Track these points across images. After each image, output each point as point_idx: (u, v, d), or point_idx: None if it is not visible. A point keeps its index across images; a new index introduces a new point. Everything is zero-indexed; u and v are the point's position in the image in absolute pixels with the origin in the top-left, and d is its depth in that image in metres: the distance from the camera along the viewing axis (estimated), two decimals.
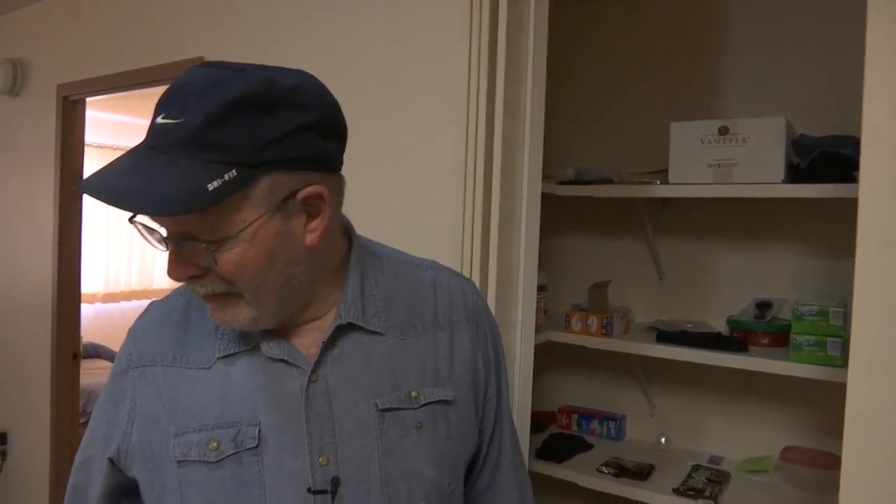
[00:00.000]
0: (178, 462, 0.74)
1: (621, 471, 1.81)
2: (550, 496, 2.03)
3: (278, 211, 0.68)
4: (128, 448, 0.78)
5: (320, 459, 0.74)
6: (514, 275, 1.55)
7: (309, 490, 0.73)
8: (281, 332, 0.77)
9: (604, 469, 1.83)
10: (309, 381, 0.75)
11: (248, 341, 0.76)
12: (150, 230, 0.69)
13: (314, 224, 0.71)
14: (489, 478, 0.90)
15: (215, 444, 0.73)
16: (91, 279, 4.78)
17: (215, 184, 0.62)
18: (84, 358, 2.91)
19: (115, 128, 4.79)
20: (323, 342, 0.76)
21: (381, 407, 0.77)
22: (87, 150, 2.83)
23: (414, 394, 0.78)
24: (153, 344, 0.80)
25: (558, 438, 2.03)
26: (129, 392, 0.79)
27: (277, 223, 0.68)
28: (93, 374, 3.55)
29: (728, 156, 1.73)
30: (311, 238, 0.71)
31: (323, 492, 0.73)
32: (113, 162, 0.66)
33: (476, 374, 0.84)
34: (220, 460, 0.73)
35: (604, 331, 1.85)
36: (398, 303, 0.82)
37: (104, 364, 3.96)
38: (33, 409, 2.78)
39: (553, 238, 2.17)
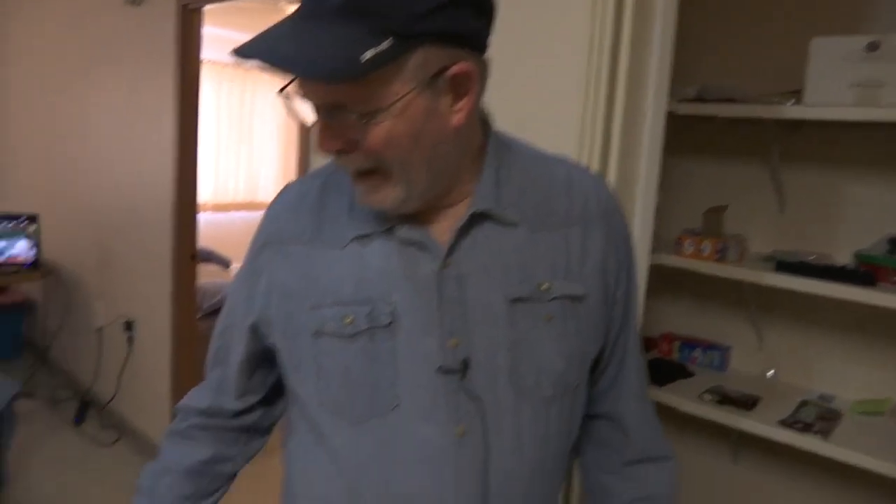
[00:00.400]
0: (314, 334, 0.78)
1: (724, 399, 1.78)
2: None
3: (428, 87, 0.67)
4: (267, 318, 0.82)
5: (451, 342, 0.75)
6: (632, 194, 1.50)
7: (439, 369, 0.75)
8: (416, 216, 0.77)
9: (706, 395, 1.80)
10: (441, 267, 0.76)
11: (383, 223, 0.77)
12: (298, 102, 0.70)
13: (461, 104, 0.70)
14: (612, 379, 0.90)
15: (350, 319, 0.76)
16: (202, 189, 5.02)
17: (370, 53, 0.62)
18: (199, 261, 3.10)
19: (229, 44, 4.91)
20: (457, 229, 0.76)
21: (511, 297, 0.77)
22: (202, 65, 2.92)
23: (544, 286, 0.78)
24: (289, 223, 0.83)
25: (659, 363, 2.01)
26: (267, 267, 0.83)
27: (426, 100, 0.68)
28: (206, 275, 3.77)
29: (875, 76, 1.59)
30: (457, 118, 0.70)
31: (453, 372, 0.75)
32: (267, 30, 0.67)
33: (606, 273, 0.83)
34: (354, 335, 0.76)
35: (718, 256, 1.78)
36: (532, 196, 0.81)
37: (215, 268, 4.20)
38: (156, 302, 3.00)
39: (667, 158, 2.09)
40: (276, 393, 0.93)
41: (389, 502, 0.76)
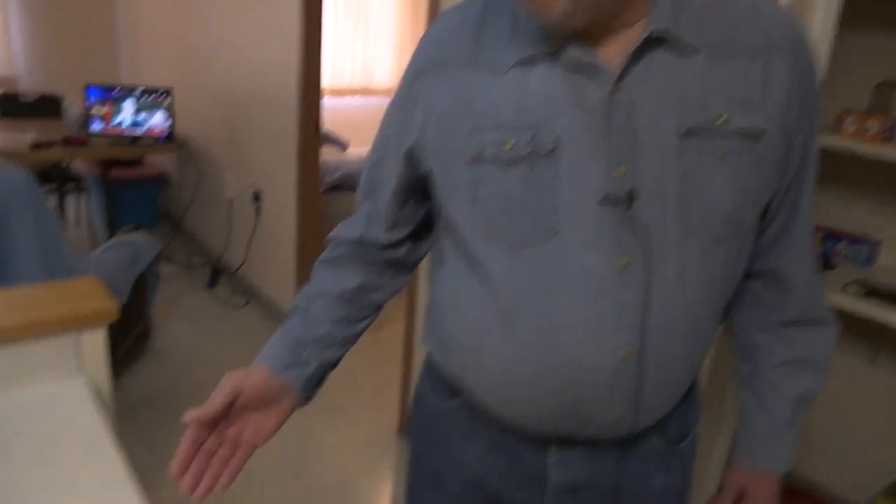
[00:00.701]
0: (471, 160, 0.76)
1: (872, 291, 1.66)
2: None
3: None
4: (423, 143, 0.81)
5: (617, 170, 0.71)
6: None
7: (604, 199, 0.71)
8: (583, 38, 0.72)
9: (851, 287, 1.68)
10: (611, 93, 0.71)
11: (547, 45, 0.73)
12: None
13: None
14: (779, 231, 0.83)
15: (511, 144, 0.73)
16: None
17: None
18: None
19: None
20: (630, 53, 0.70)
21: (684, 128, 0.71)
22: None
23: (721, 119, 0.72)
24: (447, 47, 0.79)
25: None
26: (423, 93, 0.80)
27: None
28: (324, 155, 3.87)
29: None
30: None
31: (618, 202, 0.71)
32: None
33: (788, 111, 0.75)
34: (514, 161, 0.73)
35: (885, 136, 1.61)
36: (712, 21, 0.73)
37: (333, 149, 4.30)
38: (282, 175, 3.12)
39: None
40: (423, 229, 0.94)
41: (546, 330, 0.75)
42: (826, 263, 1.86)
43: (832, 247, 1.94)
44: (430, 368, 0.95)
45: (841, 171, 1.93)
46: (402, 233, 0.92)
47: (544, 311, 0.75)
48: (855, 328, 1.95)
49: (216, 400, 0.75)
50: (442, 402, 0.92)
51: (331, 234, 0.95)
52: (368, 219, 0.92)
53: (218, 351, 3.06)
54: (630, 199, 0.71)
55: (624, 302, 0.73)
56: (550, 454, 0.83)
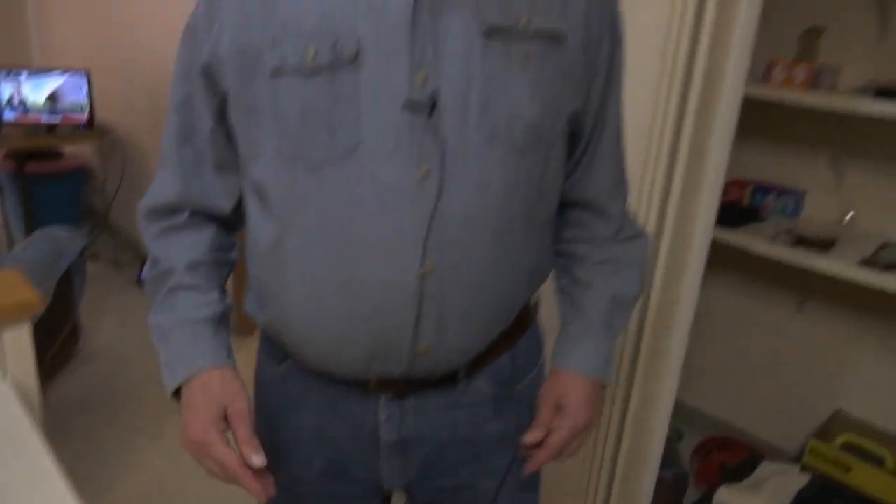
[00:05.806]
0: (273, 70, 0.71)
1: (800, 240, 1.72)
2: (714, 267, 1.98)
3: None
4: (219, 55, 0.75)
5: (419, 75, 0.69)
6: (732, 15, 1.35)
7: (406, 104, 0.69)
8: None
9: (780, 237, 1.74)
10: None
11: None
12: None
13: None
14: (591, 149, 0.84)
15: (312, 52, 0.70)
16: None
17: None
18: None
19: None
20: None
21: (486, 25, 0.70)
22: None
23: (523, 20, 0.71)
24: None
25: (729, 207, 1.94)
26: (222, 4, 0.74)
27: None
28: None
29: None
30: None
31: (419, 108, 0.69)
32: None
33: (589, 21, 0.75)
34: (315, 71, 0.70)
35: (811, 82, 1.65)
36: None
37: None
38: None
39: None
40: None
41: (347, 254, 0.73)
42: (755, 216, 1.91)
43: (761, 200, 2.00)
44: (262, 334, 0.92)
45: (770, 122, 1.98)
46: (232, 176, 0.85)
47: (344, 233, 0.73)
48: (783, 278, 2.02)
49: (254, 447, 0.74)
50: (274, 369, 0.90)
51: (145, 205, 0.89)
52: (192, 166, 0.85)
53: (153, 350, 2.92)
54: (432, 104, 0.70)
55: (423, 214, 0.71)
56: (381, 411, 0.83)
